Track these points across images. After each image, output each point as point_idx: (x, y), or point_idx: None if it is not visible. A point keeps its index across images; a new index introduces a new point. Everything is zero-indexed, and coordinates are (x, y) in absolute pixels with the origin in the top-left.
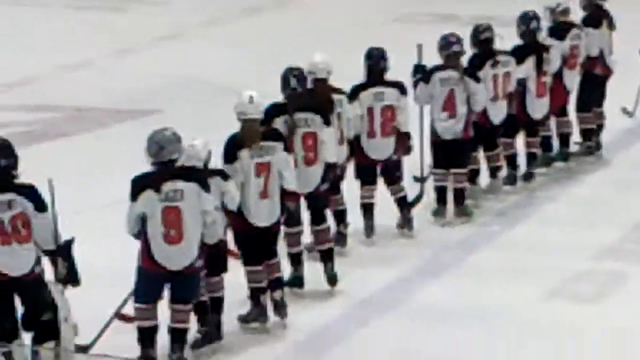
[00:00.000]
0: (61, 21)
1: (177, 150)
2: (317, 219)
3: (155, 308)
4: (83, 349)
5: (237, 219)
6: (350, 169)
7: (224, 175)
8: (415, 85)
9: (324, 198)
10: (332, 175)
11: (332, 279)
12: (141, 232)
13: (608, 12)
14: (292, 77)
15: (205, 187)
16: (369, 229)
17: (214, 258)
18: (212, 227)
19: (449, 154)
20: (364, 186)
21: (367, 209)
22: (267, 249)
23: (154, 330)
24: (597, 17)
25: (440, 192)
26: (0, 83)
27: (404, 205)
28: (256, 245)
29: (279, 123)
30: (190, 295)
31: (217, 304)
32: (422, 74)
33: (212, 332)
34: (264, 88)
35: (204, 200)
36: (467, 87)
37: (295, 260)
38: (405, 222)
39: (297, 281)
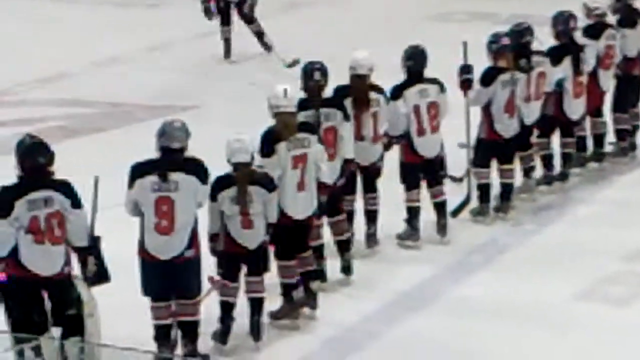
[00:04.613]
0: (97, 17)
1: (178, 139)
2: (333, 212)
3: (168, 306)
4: None
5: None
6: (386, 169)
7: (269, 188)
8: (464, 85)
9: (339, 193)
10: (348, 171)
11: (348, 269)
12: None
13: None
14: (316, 71)
15: (204, 180)
16: (416, 233)
17: (254, 258)
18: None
19: (499, 151)
20: (410, 189)
21: (416, 213)
22: (301, 243)
23: (168, 328)
24: (631, 17)
25: (485, 191)
26: (35, 78)
27: (442, 210)
28: (291, 238)
29: (302, 117)
30: (187, 288)
31: (257, 304)
32: (469, 74)
33: (252, 332)
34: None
35: (200, 193)
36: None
37: (317, 253)
38: (440, 228)
39: (318, 274)
